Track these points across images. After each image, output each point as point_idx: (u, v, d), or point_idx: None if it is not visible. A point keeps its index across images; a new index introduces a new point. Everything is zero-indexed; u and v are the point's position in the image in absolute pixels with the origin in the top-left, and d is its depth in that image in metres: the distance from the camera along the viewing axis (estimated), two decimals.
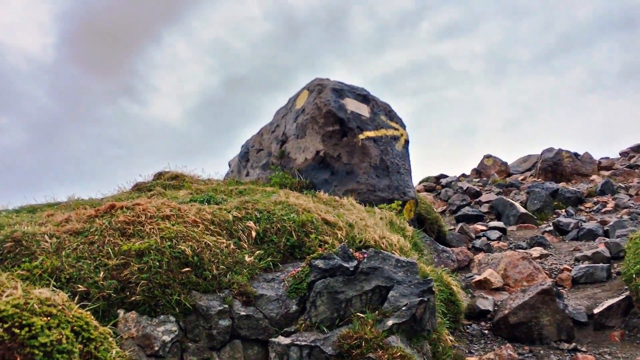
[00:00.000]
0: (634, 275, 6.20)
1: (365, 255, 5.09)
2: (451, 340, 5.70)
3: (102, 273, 4.26)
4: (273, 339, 4.40)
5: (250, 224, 5.52)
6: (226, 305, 4.51)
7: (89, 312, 3.06)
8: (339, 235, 5.83)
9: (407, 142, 10.31)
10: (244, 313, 4.54)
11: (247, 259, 5.07)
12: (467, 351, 5.92)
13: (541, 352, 5.86)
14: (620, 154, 23.71)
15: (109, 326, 3.32)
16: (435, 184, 20.48)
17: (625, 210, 13.26)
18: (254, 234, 5.42)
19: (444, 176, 21.63)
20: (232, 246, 5.13)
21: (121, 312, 4.12)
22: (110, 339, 3.04)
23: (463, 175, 23.22)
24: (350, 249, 5.23)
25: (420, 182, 21.31)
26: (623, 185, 16.73)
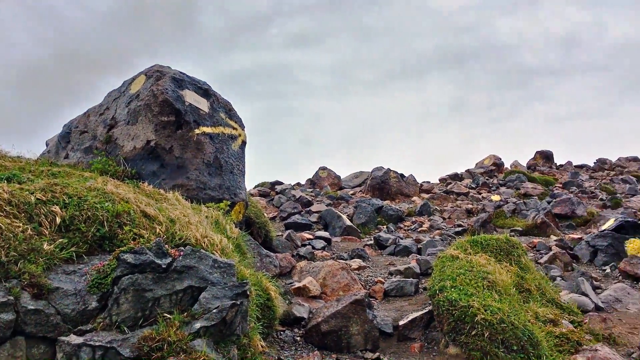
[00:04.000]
0: (437, 291, 6.63)
1: (181, 253, 4.82)
2: (262, 346, 5.62)
3: None
4: (63, 338, 3.95)
5: (56, 208, 4.95)
6: (11, 297, 3.96)
7: None
8: (158, 230, 5.47)
9: (244, 142, 10.15)
10: (32, 307, 4.02)
11: (45, 247, 4.52)
12: (276, 357, 5.88)
13: None
14: (439, 180, 25.85)
15: None
16: (270, 189, 20.60)
17: (438, 231, 14.39)
18: (58, 220, 4.87)
19: (279, 183, 21.85)
20: (29, 231, 4.55)
21: None
22: None
23: (298, 184, 23.69)
24: (166, 245, 4.93)
25: (256, 187, 21.33)
26: (439, 209, 18.20)
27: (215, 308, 4.41)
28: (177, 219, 6.06)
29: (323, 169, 24.01)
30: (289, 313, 7.10)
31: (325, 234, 12.81)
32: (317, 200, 18.51)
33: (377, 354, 6.22)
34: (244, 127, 10.35)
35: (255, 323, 5.45)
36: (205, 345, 4.16)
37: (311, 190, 21.41)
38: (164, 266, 4.55)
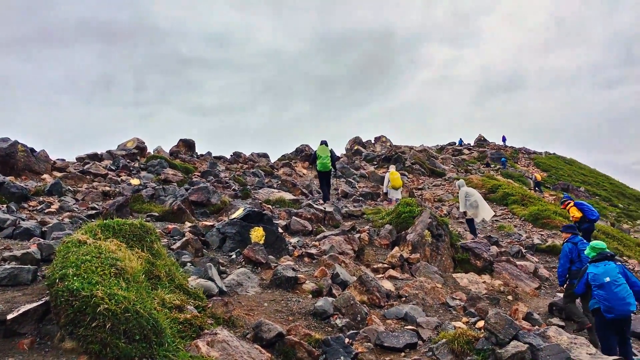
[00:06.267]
0: (57, 280, 5.90)
1: None
2: None
3: None
4: None
5: None
6: None
7: None
8: None
9: None
10: None
11: None
12: None
13: None
14: (77, 159, 24.12)
15: None
16: None
17: (68, 213, 13.21)
18: None
19: None
20: None
21: None
22: None
23: None
24: None
25: None
26: (72, 189, 16.84)
27: None
28: None
29: None
30: None
31: None
32: None
33: None
34: None
35: None
36: None
37: None
38: None
